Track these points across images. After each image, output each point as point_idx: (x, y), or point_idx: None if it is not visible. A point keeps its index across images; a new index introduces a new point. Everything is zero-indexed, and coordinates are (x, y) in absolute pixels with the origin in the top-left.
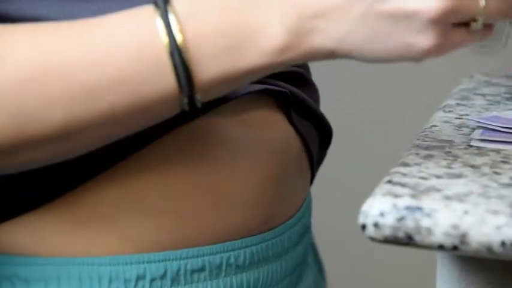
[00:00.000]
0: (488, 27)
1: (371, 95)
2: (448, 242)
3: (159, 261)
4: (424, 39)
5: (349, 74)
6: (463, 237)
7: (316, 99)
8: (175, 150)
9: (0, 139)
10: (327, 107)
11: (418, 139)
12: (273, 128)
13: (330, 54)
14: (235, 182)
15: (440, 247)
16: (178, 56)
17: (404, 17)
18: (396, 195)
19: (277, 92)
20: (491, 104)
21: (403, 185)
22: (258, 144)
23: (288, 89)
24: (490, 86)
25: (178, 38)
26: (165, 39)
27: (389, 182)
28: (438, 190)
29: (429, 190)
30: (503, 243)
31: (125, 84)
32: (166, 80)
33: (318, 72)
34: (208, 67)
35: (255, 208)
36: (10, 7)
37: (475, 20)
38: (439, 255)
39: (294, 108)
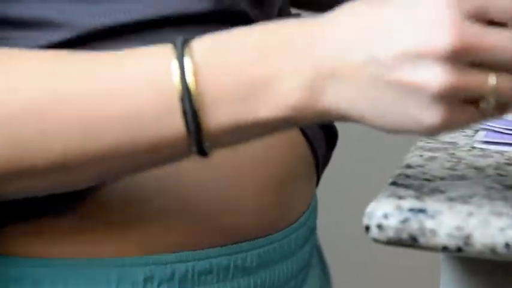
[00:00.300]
0: (503, 106)
1: None
2: (452, 243)
3: (166, 263)
4: (430, 115)
5: None
6: (467, 239)
7: None
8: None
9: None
10: None
11: (422, 141)
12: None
13: (343, 117)
14: (242, 185)
15: (445, 249)
16: (189, 102)
17: (411, 90)
18: (400, 197)
19: None
20: None
21: (407, 186)
22: (264, 147)
23: None
24: None
25: (191, 83)
26: (178, 83)
27: (393, 183)
28: (442, 192)
29: (433, 192)
30: (507, 245)
31: (130, 123)
32: (174, 123)
33: None
34: (219, 115)
35: (261, 210)
36: (9, 9)
37: (485, 99)
38: (443, 257)
39: None
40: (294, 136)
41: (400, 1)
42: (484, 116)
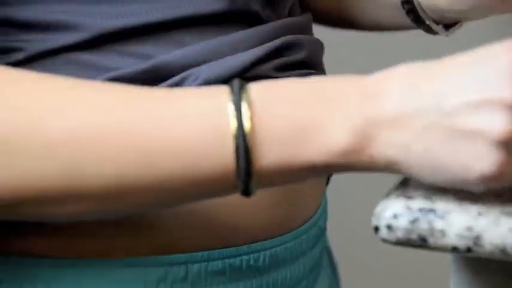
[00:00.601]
0: None
1: None
2: (462, 244)
3: (180, 263)
4: (488, 163)
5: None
6: (477, 239)
7: None
8: None
9: (50, 187)
10: None
11: None
12: None
13: (391, 166)
14: None
15: (454, 249)
16: (243, 140)
17: (471, 135)
18: (409, 197)
19: None
20: None
21: (416, 186)
22: None
23: None
24: None
25: (247, 125)
26: (234, 124)
27: (403, 183)
28: (451, 192)
29: (442, 192)
30: None
31: (184, 158)
32: (225, 160)
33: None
34: (269, 155)
35: (273, 210)
36: (25, 12)
37: None
38: (452, 258)
39: None
40: None
41: (459, 61)
42: None
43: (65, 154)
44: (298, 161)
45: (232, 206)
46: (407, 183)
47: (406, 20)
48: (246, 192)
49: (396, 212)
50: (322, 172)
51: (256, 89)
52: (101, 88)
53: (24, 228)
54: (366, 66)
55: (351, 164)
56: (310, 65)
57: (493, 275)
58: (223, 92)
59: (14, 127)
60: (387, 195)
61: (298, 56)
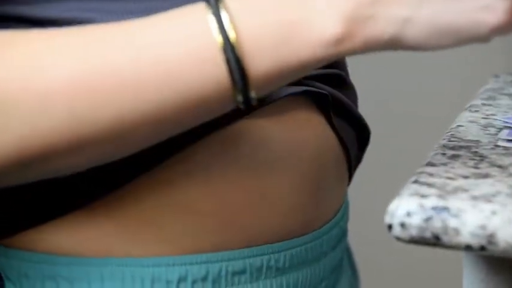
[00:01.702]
0: None
1: (397, 96)
2: (475, 242)
3: (201, 263)
4: (495, 13)
5: (375, 76)
6: (491, 238)
7: (354, 100)
8: (217, 152)
9: (54, 142)
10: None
11: (444, 139)
12: (313, 130)
13: (391, 43)
14: (276, 184)
15: (468, 247)
16: (232, 53)
17: None
18: (423, 196)
19: (317, 94)
20: None
21: (429, 185)
22: (298, 146)
23: (327, 91)
24: None
25: (231, 34)
26: (218, 37)
27: (416, 182)
28: (465, 190)
29: (456, 190)
30: None
31: (175, 84)
32: (219, 77)
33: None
34: (262, 62)
35: (295, 210)
36: (49, 10)
37: None
38: (465, 256)
39: (334, 110)
40: (328, 136)
41: None
42: None
43: (62, 105)
44: (292, 60)
45: (253, 206)
46: (421, 182)
47: None
48: (247, 103)
49: (410, 210)
50: (319, 64)
51: None
52: (78, 33)
53: (46, 226)
54: (390, 67)
55: (348, 50)
56: (332, 64)
57: (506, 274)
58: (200, 8)
59: (5, 87)
60: (400, 193)
61: None
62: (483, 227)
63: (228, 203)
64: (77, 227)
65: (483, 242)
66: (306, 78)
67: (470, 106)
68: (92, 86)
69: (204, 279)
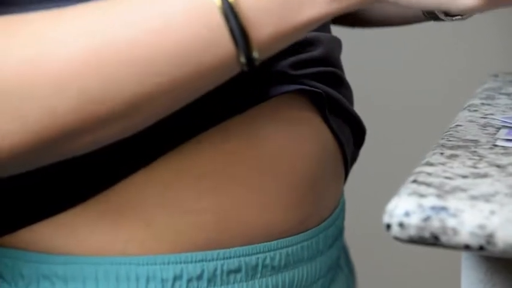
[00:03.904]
0: None
1: (396, 95)
2: (474, 242)
3: (196, 261)
4: None
5: (374, 74)
6: (490, 238)
7: (350, 98)
8: (212, 150)
9: (65, 122)
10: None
11: (443, 138)
12: (308, 128)
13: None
14: (271, 183)
15: (467, 247)
16: (234, 18)
17: None
18: (421, 195)
19: (312, 92)
20: None
21: (428, 184)
22: (294, 144)
23: (322, 89)
24: None
25: (234, 3)
26: (218, 2)
27: (415, 181)
28: (464, 190)
29: (454, 190)
30: None
31: (183, 54)
32: (223, 44)
33: (347, 72)
34: (263, 25)
35: (290, 209)
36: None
37: None
38: (464, 256)
39: (329, 108)
40: (324, 134)
41: None
42: None
43: (76, 85)
44: (294, 21)
45: (248, 204)
46: (419, 181)
47: (415, 12)
48: (251, 65)
49: (408, 210)
50: (320, 22)
51: None
52: (82, 11)
53: (41, 225)
54: (390, 66)
55: (343, 7)
56: (327, 62)
57: (505, 274)
58: None
59: (18, 71)
60: (399, 192)
61: (314, 53)
62: (482, 227)
63: (222, 202)
64: (72, 226)
65: (482, 241)
66: (301, 76)
67: (469, 105)
68: (104, 63)
69: (200, 277)
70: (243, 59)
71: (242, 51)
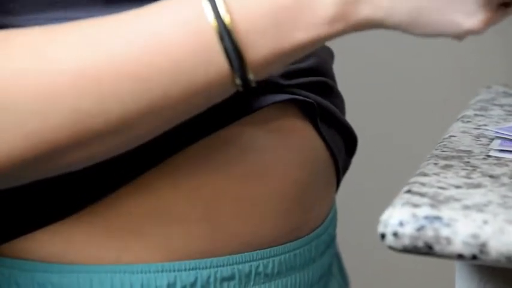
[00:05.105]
0: None
1: (390, 106)
2: (467, 251)
3: (190, 269)
4: (472, 21)
5: (369, 84)
6: (483, 247)
7: (342, 108)
8: (204, 159)
9: (58, 137)
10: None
11: (437, 149)
12: (300, 137)
13: (379, 25)
14: (263, 191)
15: (460, 257)
16: (228, 39)
17: None
18: (415, 205)
19: (304, 102)
20: (510, 115)
21: (422, 194)
22: (286, 153)
23: (314, 99)
24: (508, 97)
25: (227, 20)
26: (213, 23)
27: (409, 191)
28: (457, 200)
29: (448, 200)
30: None
31: (177, 73)
32: (218, 64)
33: (340, 81)
34: (259, 46)
35: (283, 217)
36: (28, 21)
37: None
38: (457, 265)
39: (321, 118)
40: (315, 143)
41: None
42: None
43: (69, 101)
44: (289, 43)
45: (241, 212)
46: (413, 191)
47: None
48: (245, 86)
49: (402, 220)
50: (316, 45)
51: None
52: (77, 27)
53: (37, 233)
54: (385, 76)
55: (340, 30)
56: (319, 72)
57: (498, 283)
58: None
59: (12, 83)
60: (393, 202)
61: (306, 63)
62: (475, 236)
63: (215, 210)
64: (67, 235)
65: (475, 251)
66: (292, 86)
67: (462, 116)
68: (96, 79)
69: (193, 285)
70: (238, 81)
71: (237, 72)
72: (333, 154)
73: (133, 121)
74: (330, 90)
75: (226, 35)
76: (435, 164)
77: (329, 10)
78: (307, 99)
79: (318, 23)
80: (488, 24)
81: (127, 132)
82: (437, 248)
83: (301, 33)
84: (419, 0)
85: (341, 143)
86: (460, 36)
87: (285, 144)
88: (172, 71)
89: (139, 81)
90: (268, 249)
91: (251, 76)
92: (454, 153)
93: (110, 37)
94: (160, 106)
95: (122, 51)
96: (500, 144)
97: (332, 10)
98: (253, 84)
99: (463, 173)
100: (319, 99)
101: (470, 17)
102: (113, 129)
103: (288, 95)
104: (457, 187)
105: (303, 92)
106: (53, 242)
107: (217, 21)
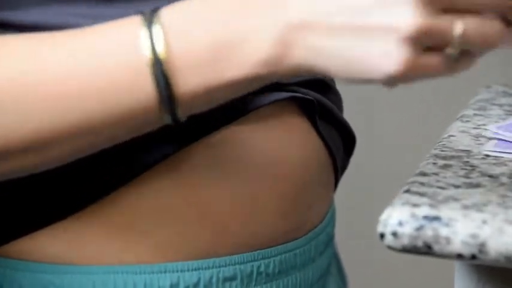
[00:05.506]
0: (468, 54)
1: (389, 105)
2: (466, 251)
3: (192, 269)
4: (395, 60)
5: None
6: (482, 247)
7: (340, 106)
8: (204, 159)
9: None
10: (345, 115)
11: (436, 149)
12: (298, 135)
13: (311, 70)
14: (263, 191)
15: (459, 256)
16: (160, 69)
17: (380, 33)
18: (414, 205)
19: (303, 100)
20: (509, 114)
21: (421, 194)
22: (284, 152)
23: (313, 97)
24: (507, 96)
25: (162, 51)
26: (148, 51)
27: (408, 191)
28: (456, 200)
29: (447, 200)
30: None
31: (101, 97)
32: (146, 91)
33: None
34: (189, 79)
35: (283, 216)
36: (30, 15)
37: (452, 44)
38: (456, 265)
39: (320, 116)
40: (314, 141)
41: None
42: (450, 66)
43: None
44: (222, 80)
45: (241, 212)
46: (412, 191)
47: None
48: (175, 120)
49: (402, 219)
50: (249, 86)
51: (168, 12)
52: (4, 42)
53: (37, 234)
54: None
55: (273, 73)
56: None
57: (497, 283)
58: (136, 20)
59: None
60: (392, 202)
61: None
62: (474, 236)
63: (215, 210)
64: (68, 236)
65: (474, 250)
66: (291, 84)
67: (461, 116)
68: (16, 95)
69: (196, 285)
70: (166, 114)
71: (165, 102)
72: (331, 153)
73: (51, 140)
74: (328, 88)
75: (158, 65)
76: (434, 163)
77: (263, 50)
78: (307, 97)
79: (252, 61)
80: (413, 67)
81: (44, 151)
82: (436, 247)
83: (234, 71)
84: (347, 42)
85: (339, 142)
86: (382, 81)
87: (283, 142)
88: (98, 98)
89: (59, 105)
90: (269, 249)
91: (180, 111)
92: (453, 153)
93: (35, 55)
94: (81, 128)
95: (47, 74)
96: (499, 144)
97: (266, 50)
98: (182, 120)
99: (462, 172)
100: (318, 96)
101: (393, 55)
102: (27, 147)
103: (288, 93)
104: (456, 187)
105: (302, 90)
106: (53, 243)
107: (152, 51)
